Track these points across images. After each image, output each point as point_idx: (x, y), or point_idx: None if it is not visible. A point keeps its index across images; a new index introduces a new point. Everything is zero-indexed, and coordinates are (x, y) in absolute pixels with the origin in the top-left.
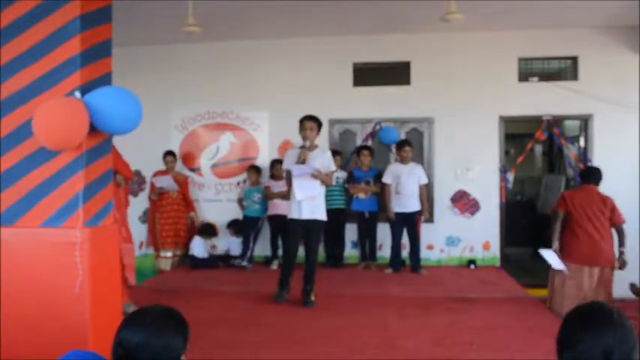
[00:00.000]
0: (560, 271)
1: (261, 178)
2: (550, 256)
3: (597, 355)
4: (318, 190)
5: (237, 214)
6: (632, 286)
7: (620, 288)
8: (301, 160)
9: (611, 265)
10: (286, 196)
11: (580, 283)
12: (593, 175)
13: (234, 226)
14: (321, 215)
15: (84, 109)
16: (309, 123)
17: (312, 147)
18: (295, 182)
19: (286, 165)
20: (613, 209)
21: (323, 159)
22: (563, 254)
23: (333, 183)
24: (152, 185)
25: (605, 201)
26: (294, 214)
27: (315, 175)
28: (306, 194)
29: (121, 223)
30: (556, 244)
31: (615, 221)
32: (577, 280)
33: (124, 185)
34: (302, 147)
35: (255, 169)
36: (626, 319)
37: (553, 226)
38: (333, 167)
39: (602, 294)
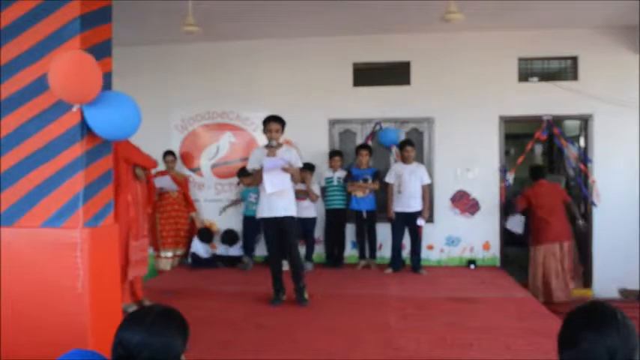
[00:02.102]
0: (539, 248)
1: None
2: (515, 219)
3: (600, 354)
4: (288, 184)
5: (236, 214)
6: (623, 291)
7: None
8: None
9: (570, 237)
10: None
11: (556, 256)
12: (540, 172)
13: (229, 236)
14: (293, 212)
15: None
16: (275, 125)
17: (278, 146)
18: (265, 176)
19: (252, 164)
20: (562, 192)
21: (290, 156)
22: (538, 239)
23: (334, 183)
24: None
25: (556, 187)
26: (264, 213)
27: (286, 169)
28: (277, 187)
29: (134, 219)
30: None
31: (566, 200)
32: (554, 255)
33: (144, 178)
34: (269, 146)
35: (245, 172)
36: (628, 318)
37: (518, 205)
38: (300, 164)
39: (570, 263)
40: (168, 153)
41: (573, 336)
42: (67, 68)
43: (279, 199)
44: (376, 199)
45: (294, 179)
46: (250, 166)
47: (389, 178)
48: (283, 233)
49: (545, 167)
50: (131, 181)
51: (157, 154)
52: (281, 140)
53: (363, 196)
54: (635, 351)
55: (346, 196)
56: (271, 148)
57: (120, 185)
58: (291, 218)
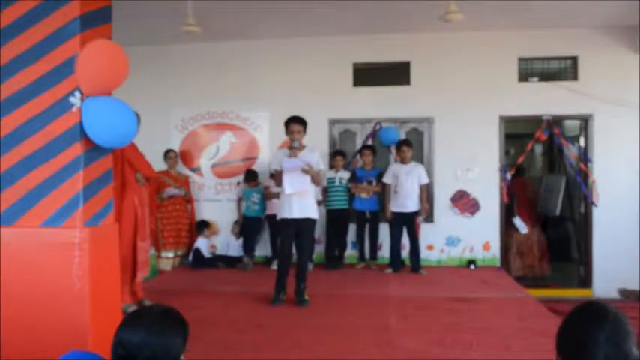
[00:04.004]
0: (518, 232)
1: (258, 179)
2: (519, 221)
3: (598, 353)
4: (308, 185)
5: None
6: (622, 291)
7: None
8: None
9: (534, 225)
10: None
11: (524, 239)
12: (522, 171)
13: (238, 226)
14: (313, 213)
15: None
16: (296, 126)
17: (300, 147)
18: (285, 177)
19: (274, 165)
20: (528, 185)
21: (312, 158)
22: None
23: (337, 183)
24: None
25: (525, 181)
26: (284, 214)
27: (306, 170)
28: (296, 188)
29: (141, 221)
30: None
31: (534, 190)
32: (523, 237)
33: (144, 183)
34: (291, 147)
35: (251, 176)
36: (624, 316)
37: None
38: (322, 166)
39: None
40: (170, 150)
41: (570, 334)
42: (101, 56)
43: (299, 200)
44: (379, 199)
45: (314, 181)
46: (272, 167)
47: (386, 179)
48: (299, 234)
49: (524, 167)
50: (136, 183)
51: (157, 155)
52: (281, 141)
53: (367, 197)
54: (631, 349)
55: (348, 197)
56: (292, 149)
57: (126, 187)
58: (307, 220)
